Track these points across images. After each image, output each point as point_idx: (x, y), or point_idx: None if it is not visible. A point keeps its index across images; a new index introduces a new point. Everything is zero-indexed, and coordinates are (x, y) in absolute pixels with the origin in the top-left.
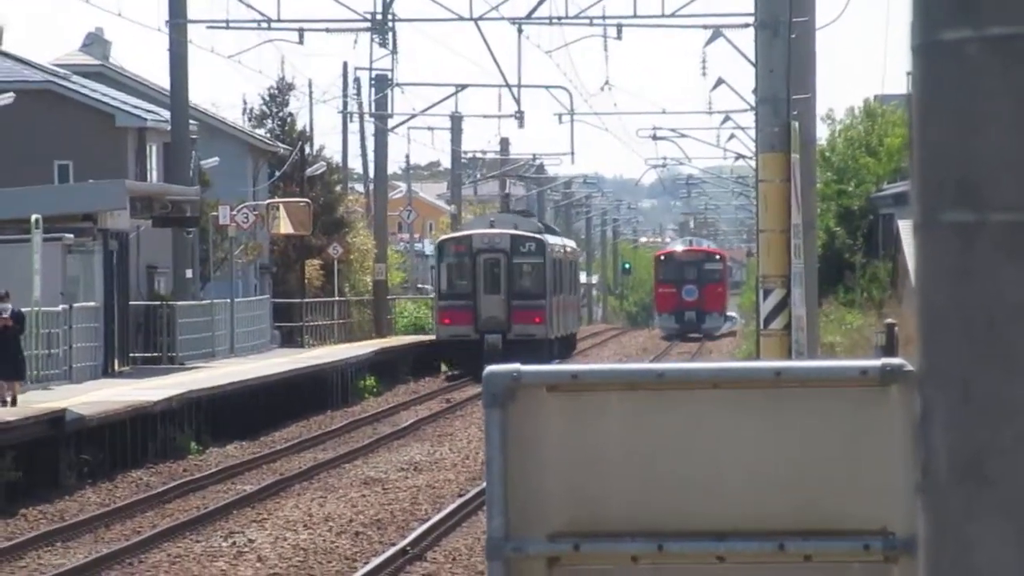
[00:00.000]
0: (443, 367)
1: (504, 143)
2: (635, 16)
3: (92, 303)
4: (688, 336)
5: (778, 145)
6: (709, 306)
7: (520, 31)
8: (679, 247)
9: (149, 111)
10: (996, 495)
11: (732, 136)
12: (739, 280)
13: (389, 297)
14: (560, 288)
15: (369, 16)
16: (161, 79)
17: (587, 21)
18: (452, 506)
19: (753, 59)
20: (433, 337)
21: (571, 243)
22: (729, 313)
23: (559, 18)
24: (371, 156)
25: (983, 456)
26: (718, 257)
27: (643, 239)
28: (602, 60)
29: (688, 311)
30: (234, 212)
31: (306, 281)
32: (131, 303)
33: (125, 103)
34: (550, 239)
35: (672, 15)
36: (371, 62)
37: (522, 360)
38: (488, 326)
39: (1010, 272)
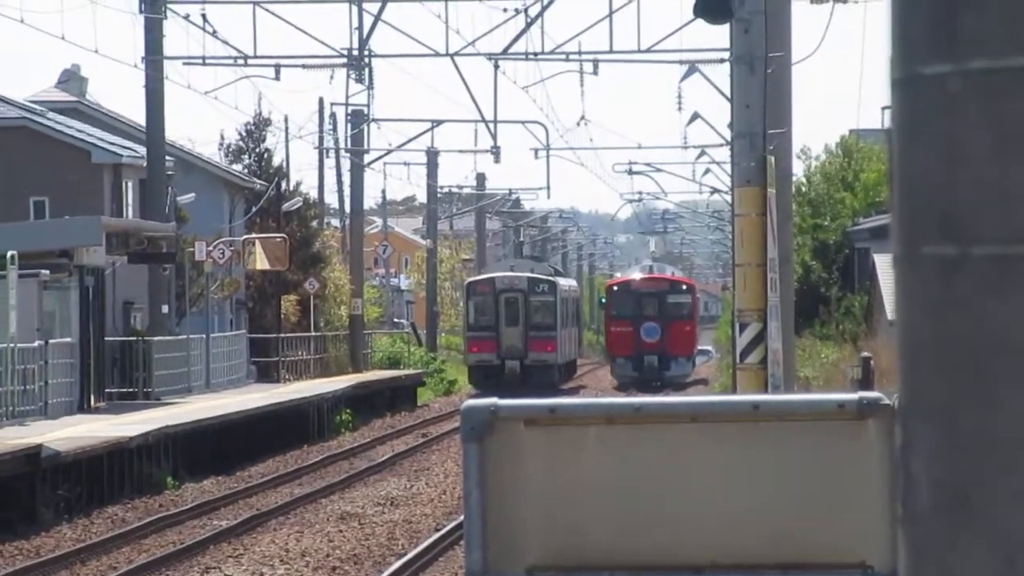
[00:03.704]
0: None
1: (480, 178)
2: (611, 51)
3: (68, 339)
4: (649, 385)
5: (754, 179)
6: (674, 349)
7: (496, 66)
8: (636, 274)
9: (125, 147)
10: (979, 526)
11: (708, 171)
12: (715, 314)
13: (365, 332)
14: (567, 322)
15: (345, 52)
16: (137, 115)
17: (563, 56)
18: (429, 540)
19: (729, 94)
20: (410, 371)
21: (574, 283)
22: (703, 347)
23: (535, 54)
24: (347, 191)
25: (967, 488)
26: (685, 287)
27: (619, 273)
28: (578, 95)
29: (648, 355)
30: (210, 248)
31: (282, 316)
32: (107, 339)
33: (101, 139)
34: (560, 281)
35: (648, 50)
36: (347, 98)
37: (536, 380)
38: (509, 353)
39: (992, 305)
